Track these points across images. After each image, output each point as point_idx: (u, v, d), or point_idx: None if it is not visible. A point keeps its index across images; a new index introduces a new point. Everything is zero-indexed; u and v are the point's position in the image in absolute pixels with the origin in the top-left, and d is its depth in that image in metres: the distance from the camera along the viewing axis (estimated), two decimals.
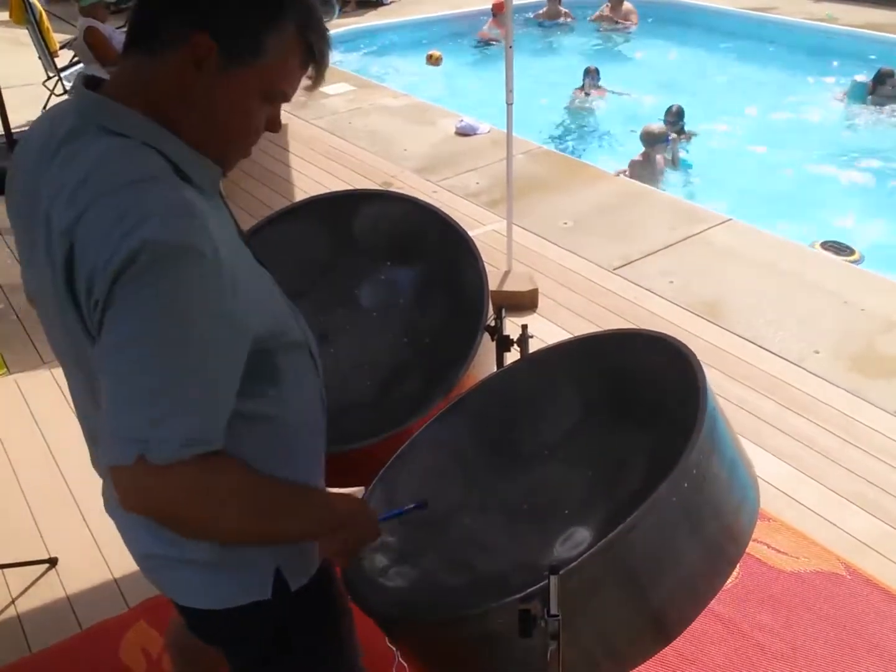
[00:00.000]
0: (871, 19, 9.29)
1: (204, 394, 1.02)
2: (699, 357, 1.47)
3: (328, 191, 2.32)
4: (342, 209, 2.18)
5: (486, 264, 2.00)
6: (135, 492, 1.02)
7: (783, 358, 3.53)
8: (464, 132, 6.24)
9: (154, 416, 0.98)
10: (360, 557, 1.46)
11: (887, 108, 7.40)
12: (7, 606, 2.54)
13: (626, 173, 6.09)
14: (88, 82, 1.12)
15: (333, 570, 1.43)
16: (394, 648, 1.49)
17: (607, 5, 10.20)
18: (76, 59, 7.08)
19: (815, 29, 9.34)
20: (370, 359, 2.11)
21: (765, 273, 4.20)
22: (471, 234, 2.07)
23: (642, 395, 1.62)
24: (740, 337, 3.68)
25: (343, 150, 6.03)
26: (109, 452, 1.01)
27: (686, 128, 6.78)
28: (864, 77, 7.60)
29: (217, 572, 1.24)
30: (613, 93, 8.04)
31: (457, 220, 2.10)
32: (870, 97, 7.50)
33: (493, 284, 3.02)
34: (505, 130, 4.01)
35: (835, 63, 8.55)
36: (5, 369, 3.68)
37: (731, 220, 4.77)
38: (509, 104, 3.80)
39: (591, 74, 7.98)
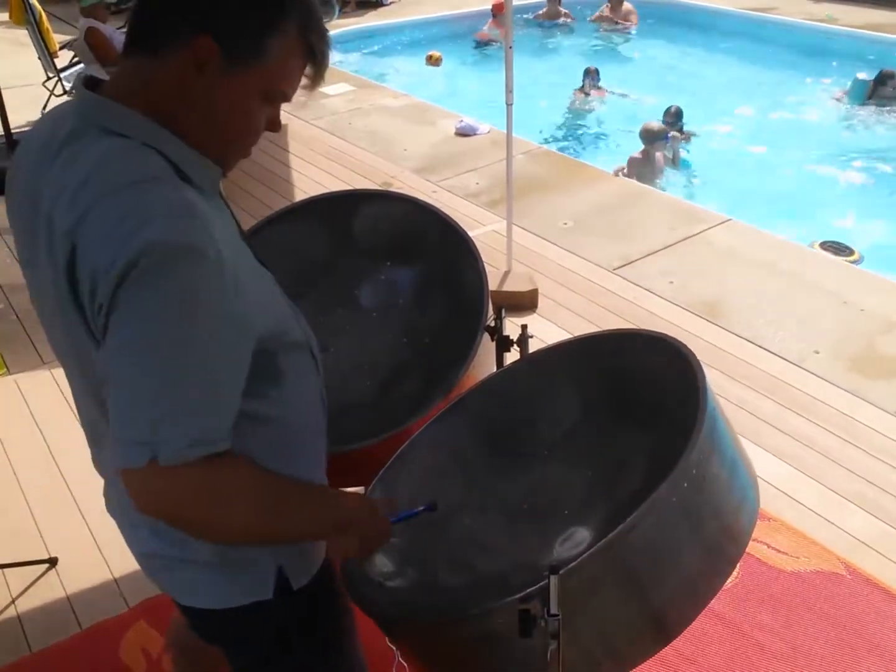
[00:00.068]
0: (871, 19, 9.29)
1: (209, 395, 1.02)
2: (699, 357, 1.47)
3: (328, 191, 2.32)
4: (342, 209, 2.18)
5: (486, 264, 2.00)
6: (146, 494, 1.03)
7: (783, 358, 3.53)
8: (464, 132, 6.24)
9: (159, 418, 0.98)
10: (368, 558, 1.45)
11: (887, 108, 7.40)
12: (7, 606, 2.54)
13: (624, 171, 6.08)
14: (88, 83, 1.12)
15: (335, 569, 1.43)
16: (394, 648, 1.49)
17: (607, 5, 10.20)
18: (76, 59, 7.09)
19: (815, 29, 9.35)
20: (370, 359, 2.11)
21: (765, 273, 4.20)
22: (471, 234, 2.07)
23: (642, 395, 1.62)
24: (740, 337, 3.68)
25: (343, 151, 6.03)
26: (119, 456, 1.01)
27: (685, 128, 6.78)
28: (865, 74, 7.59)
29: (219, 572, 1.24)
30: (613, 93, 8.05)
31: (457, 221, 2.10)
32: (870, 99, 7.50)
33: (493, 284, 3.03)
34: (505, 131, 4.01)
35: (834, 63, 8.55)
36: (5, 369, 3.68)
37: (730, 220, 4.78)
38: (509, 104, 3.81)
39: (591, 75, 7.98)
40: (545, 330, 3.66)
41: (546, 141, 7.01)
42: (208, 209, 1.05)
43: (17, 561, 2.61)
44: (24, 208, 1.13)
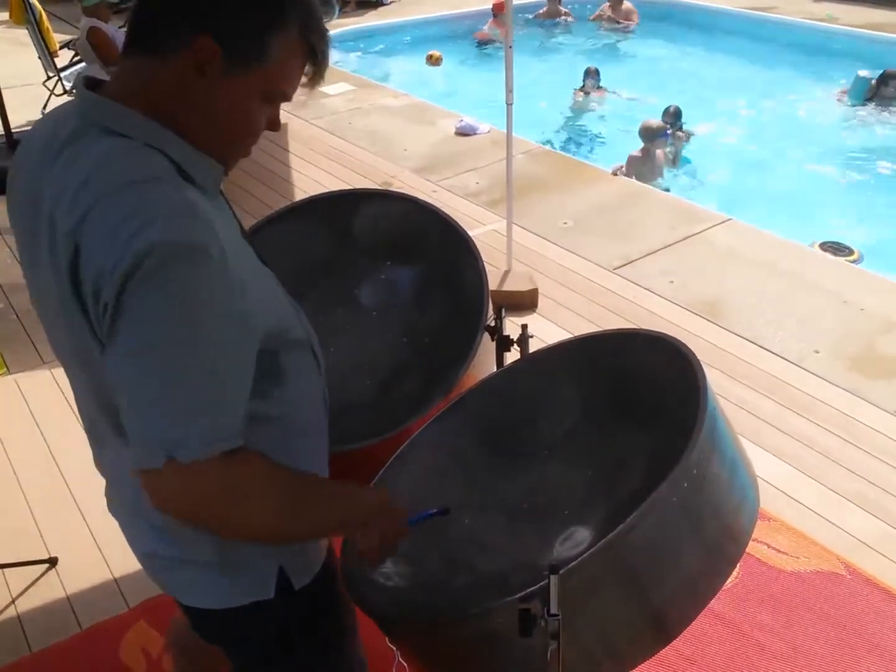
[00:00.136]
0: (871, 19, 9.29)
1: (217, 394, 1.02)
2: (699, 357, 1.47)
3: (328, 190, 2.31)
4: (342, 209, 2.17)
5: (486, 264, 2.00)
6: (165, 493, 1.03)
7: (783, 358, 3.53)
8: (464, 132, 6.24)
9: (172, 417, 0.99)
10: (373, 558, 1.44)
11: (888, 109, 7.39)
12: (7, 606, 2.54)
13: (623, 170, 6.08)
14: (88, 83, 1.12)
15: (336, 568, 1.43)
16: (394, 648, 1.49)
17: (607, 5, 10.20)
18: (76, 58, 7.09)
19: (815, 29, 9.35)
20: (370, 359, 2.11)
21: (765, 273, 4.20)
22: (471, 234, 2.07)
23: (642, 394, 1.62)
24: (740, 337, 3.68)
25: (343, 150, 6.03)
26: (137, 457, 1.01)
27: (684, 127, 6.78)
28: (867, 72, 7.57)
29: (220, 572, 1.24)
30: (614, 93, 8.04)
31: (457, 220, 2.10)
32: (872, 99, 7.49)
33: (493, 284, 3.02)
34: (505, 130, 4.01)
35: (834, 63, 8.54)
36: (5, 369, 3.68)
37: (730, 220, 4.78)
38: (509, 104, 3.80)
39: (592, 75, 7.98)
40: (545, 329, 3.66)
41: (546, 141, 7.00)
42: (210, 209, 1.05)
43: (17, 561, 2.61)
44: (25, 208, 1.13)
